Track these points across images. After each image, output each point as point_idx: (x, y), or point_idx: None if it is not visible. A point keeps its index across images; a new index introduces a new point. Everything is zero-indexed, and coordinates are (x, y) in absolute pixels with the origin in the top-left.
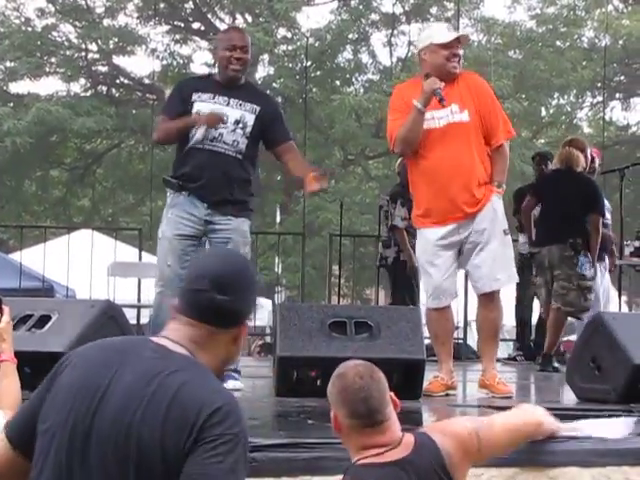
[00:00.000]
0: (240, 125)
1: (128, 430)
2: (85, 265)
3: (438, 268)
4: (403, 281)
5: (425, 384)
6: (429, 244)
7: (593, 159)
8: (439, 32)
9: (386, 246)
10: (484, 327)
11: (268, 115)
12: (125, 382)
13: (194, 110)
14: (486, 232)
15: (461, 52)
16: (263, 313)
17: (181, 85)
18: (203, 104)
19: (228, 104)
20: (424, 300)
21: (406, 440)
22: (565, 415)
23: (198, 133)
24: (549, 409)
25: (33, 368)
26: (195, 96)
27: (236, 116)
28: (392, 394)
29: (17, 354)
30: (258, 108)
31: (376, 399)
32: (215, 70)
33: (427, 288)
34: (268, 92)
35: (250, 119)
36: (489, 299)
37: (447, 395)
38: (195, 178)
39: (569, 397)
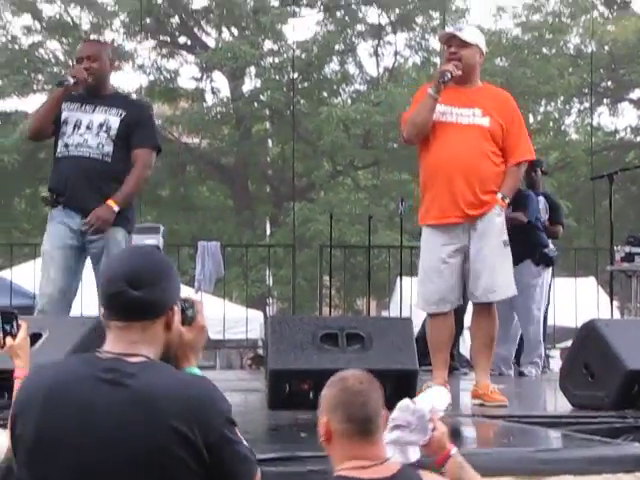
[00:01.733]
0: (104, 128)
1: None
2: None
3: (443, 275)
4: None
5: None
6: (433, 245)
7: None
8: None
9: None
10: (478, 336)
11: (133, 119)
12: (105, 411)
13: (62, 117)
14: (486, 241)
15: (468, 55)
16: (254, 325)
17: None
18: (70, 112)
19: (94, 110)
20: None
21: (391, 464)
22: (559, 422)
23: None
24: (542, 417)
25: None
26: (64, 105)
27: (100, 120)
28: (386, 411)
29: (7, 373)
30: (124, 112)
31: (373, 408)
32: None
33: (427, 292)
34: (138, 99)
35: (115, 122)
36: (485, 309)
37: None
38: (63, 189)
39: (562, 404)
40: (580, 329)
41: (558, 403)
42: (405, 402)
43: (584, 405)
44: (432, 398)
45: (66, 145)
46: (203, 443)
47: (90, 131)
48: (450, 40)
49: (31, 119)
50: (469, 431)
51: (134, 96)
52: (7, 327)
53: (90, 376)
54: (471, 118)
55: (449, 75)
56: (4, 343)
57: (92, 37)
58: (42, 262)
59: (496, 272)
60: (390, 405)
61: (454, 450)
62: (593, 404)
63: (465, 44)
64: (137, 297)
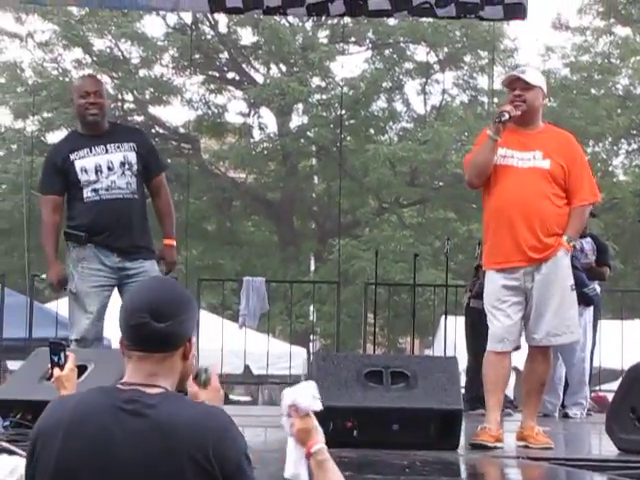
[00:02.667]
0: (126, 166)
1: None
2: (114, 314)
3: (503, 312)
4: (477, 328)
5: (472, 436)
6: (495, 286)
7: None
8: (508, 73)
9: (466, 290)
10: (531, 380)
11: (144, 149)
12: (128, 444)
13: (77, 168)
14: (551, 284)
15: (531, 97)
16: (298, 361)
17: (51, 157)
18: (83, 160)
19: (107, 151)
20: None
21: None
22: (605, 467)
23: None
24: (587, 460)
25: None
26: (73, 156)
27: (120, 158)
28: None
29: None
30: (135, 144)
31: None
32: (77, 126)
33: (493, 330)
34: (132, 126)
35: (132, 157)
36: (542, 352)
37: (495, 448)
38: (99, 230)
39: (608, 448)
40: (627, 372)
41: (604, 447)
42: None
43: (630, 449)
44: (298, 392)
45: (95, 190)
46: (220, 474)
47: (113, 172)
48: (514, 83)
49: (42, 231)
50: (514, 473)
51: (182, 130)
52: (55, 358)
53: (110, 407)
54: (532, 161)
55: (507, 115)
56: (52, 374)
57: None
58: (73, 301)
59: (561, 315)
60: (435, 445)
61: (316, 447)
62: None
63: (529, 86)
64: (159, 329)
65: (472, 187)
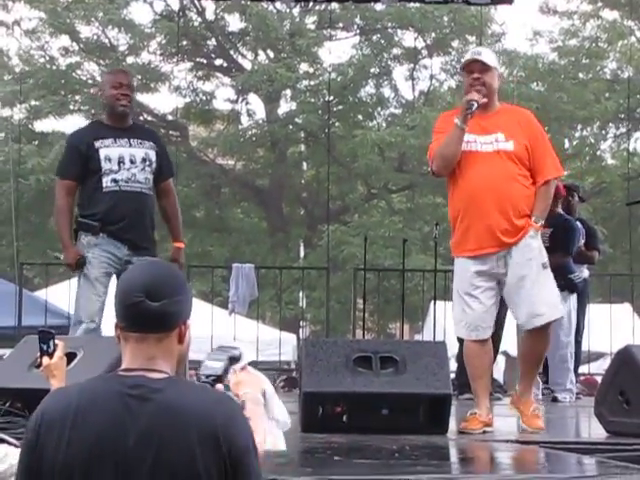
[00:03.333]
0: (147, 162)
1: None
2: (110, 301)
3: (476, 299)
4: None
5: (461, 421)
6: (467, 273)
7: (563, 195)
8: (465, 56)
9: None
10: (529, 358)
11: (160, 150)
12: (140, 429)
13: (101, 156)
14: (524, 267)
15: (489, 79)
16: (288, 348)
17: (74, 142)
18: (108, 149)
19: (130, 145)
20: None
21: None
22: (594, 449)
23: None
24: (577, 443)
25: None
26: (97, 143)
27: (142, 154)
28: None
29: (42, 392)
30: (154, 144)
31: None
32: (102, 116)
33: (464, 319)
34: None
35: (153, 155)
36: (536, 333)
37: (484, 432)
38: (114, 220)
39: (598, 431)
40: (615, 355)
41: (593, 430)
42: None
43: (619, 432)
44: None
45: (115, 180)
46: (228, 458)
47: (135, 166)
48: (471, 65)
49: (55, 217)
50: (504, 456)
51: (170, 117)
52: (44, 346)
53: (116, 393)
54: (495, 144)
55: (476, 104)
56: (41, 362)
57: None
58: (85, 283)
59: (539, 296)
60: (425, 430)
61: None
62: (628, 431)
63: (486, 67)
64: (154, 308)
65: (438, 176)
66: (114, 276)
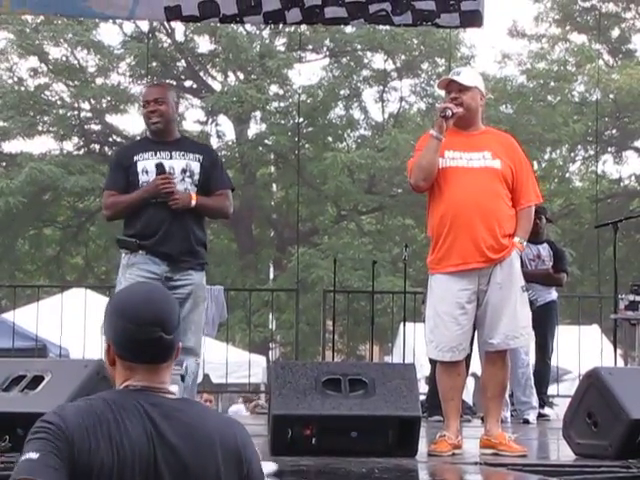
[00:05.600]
0: (187, 174)
1: None
2: (79, 324)
3: (456, 320)
4: None
5: (430, 444)
6: (449, 292)
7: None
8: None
9: (423, 300)
10: (491, 386)
11: (209, 163)
12: (172, 445)
13: (139, 168)
14: (505, 287)
15: (468, 99)
16: (257, 370)
17: (118, 156)
18: (146, 162)
19: (171, 157)
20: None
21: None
22: (562, 472)
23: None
24: (546, 465)
25: (26, 430)
26: (137, 157)
27: (182, 165)
28: None
29: (10, 415)
30: (200, 156)
31: None
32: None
33: (441, 341)
34: (204, 143)
35: (196, 167)
36: (500, 357)
37: (453, 454)
38: (150, 234)
39: (566, 453)
40: (583, 377)
41: (561, 452)
42: None
43: (587, 454)
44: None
45: None
46: (246, 477)
47: (173, 177)
48: (449, 85)
49: (112, 209)
50: (472, 479)
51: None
52: None
53: (140, 407)
54: (482, 161)
55: (450, 112)
56: None
57: (156, 81)
58: None
59: (517, 318)
60: (394, 452)
61: None
62: (596, 453)
63: (465, 88)
64: (170, 341)
65: (418, 191)
66: None
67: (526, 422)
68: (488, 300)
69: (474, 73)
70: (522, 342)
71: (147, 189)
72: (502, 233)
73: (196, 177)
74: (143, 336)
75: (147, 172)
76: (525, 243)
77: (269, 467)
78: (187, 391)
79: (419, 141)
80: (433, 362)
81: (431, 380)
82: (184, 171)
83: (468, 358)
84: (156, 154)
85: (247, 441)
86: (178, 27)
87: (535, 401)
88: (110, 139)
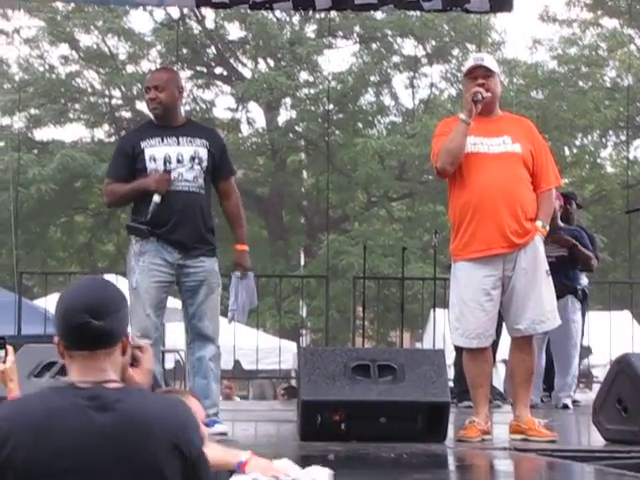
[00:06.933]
0: (196, 160)
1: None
2: None
3: (485, 309)
4: None
5: (459, 430)
6: (475, 278)
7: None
8: (467, 62)
9: None
10: (519, 371)
11: (216, 149)
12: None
13: (146, 156)
14: (530, 272)
15: (493, 85)
16: (288, 356)
17: (121, 145)
18: (153, 149)
19: (178, 143)
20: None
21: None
22: (592, 457)
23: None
24: (575, 451)
25: None
26: (143, 144)
27: (190, 152)
28: None
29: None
30: (207, 142)
31: None
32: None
33: (467, 328)
34: (208, 126)
35: (204, 153)
36: (527, 342)
37: (482, 440)
38: (161, 222)
39: (596, 439)
40: (614, 363)
41: (591, 437)
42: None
43: (617, 439)
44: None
45: None
46: (189, 459)
47: (182, 164)
48: (475, 71)
49: (112, 196)
50: (502, 464)
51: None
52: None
53: (75, 405)
54: (503, 146)
55: (480, 96)
56: None
57: (161, 66)
58: (135, 295)
59: (543, 302)
60: (423, 438)
61: None
62: (626, 439)
63: (490, 73)
64: (100, 327)
65: (443, 175)
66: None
67: (565, 407)
68: (514, 285)
69: (493, 59)
70: (548, 326)
71: (144, 185)
72: (525, 217)
73: (204, 164)
74: (71, 322)
75: (155, 159)
76: (547, 227)
77: (324, 474)
78: (213, 375)
79: (439, 127)
80: (458, 349)
81: (456, 366)
82: (193, 158)
83: (494, 344)
84: (163, 140)
85: (188, 423)
86: (208, 14)
87: (573, 391)
88: None
